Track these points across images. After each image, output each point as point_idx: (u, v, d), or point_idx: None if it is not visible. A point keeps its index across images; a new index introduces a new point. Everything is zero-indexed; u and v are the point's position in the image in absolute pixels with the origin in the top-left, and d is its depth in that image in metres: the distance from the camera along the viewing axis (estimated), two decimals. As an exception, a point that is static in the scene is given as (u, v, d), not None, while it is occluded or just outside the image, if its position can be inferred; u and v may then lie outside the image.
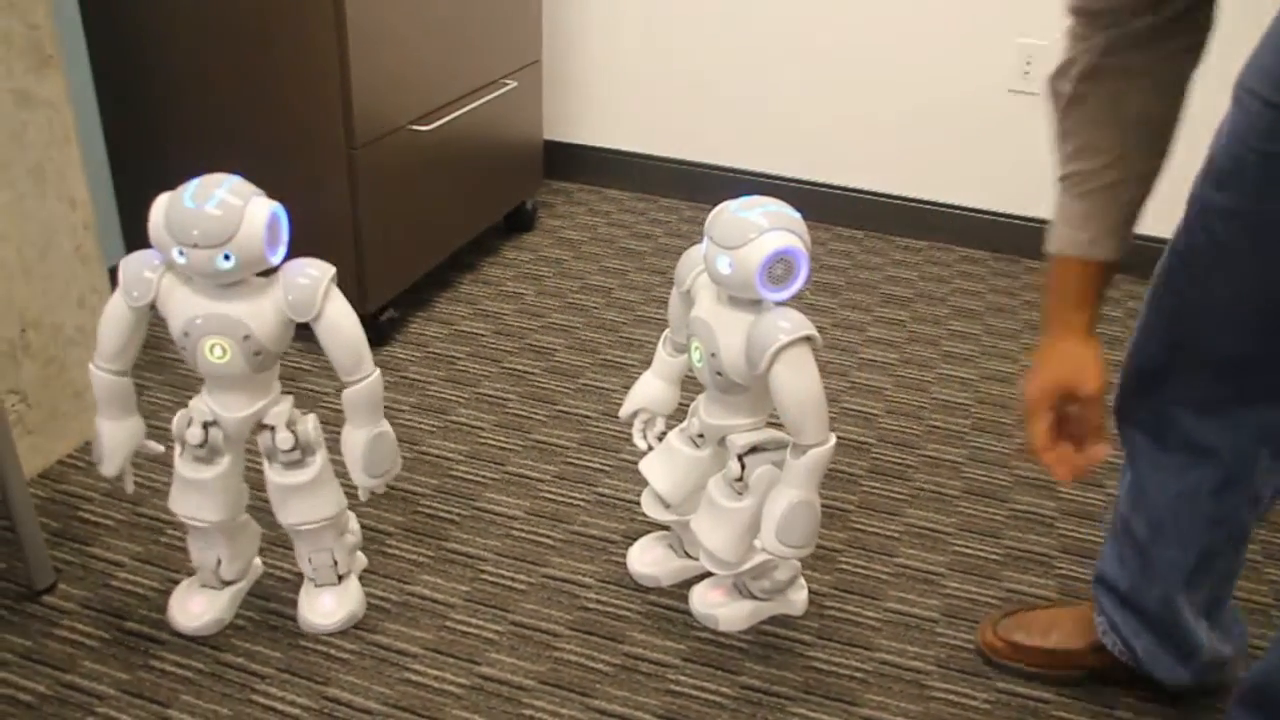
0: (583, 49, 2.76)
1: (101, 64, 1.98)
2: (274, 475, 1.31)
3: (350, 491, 1.36)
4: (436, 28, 2.03)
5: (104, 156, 2.06)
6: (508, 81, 2.34)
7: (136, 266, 1.22)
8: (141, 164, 2.04)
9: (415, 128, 2.02)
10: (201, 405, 1.29)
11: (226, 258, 1.14)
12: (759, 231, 1.19)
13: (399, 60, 1.94)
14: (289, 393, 1.33)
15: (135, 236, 2.11)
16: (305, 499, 1.32)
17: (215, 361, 1.22)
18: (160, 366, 1.95)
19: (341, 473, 1.35)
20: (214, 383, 1.28)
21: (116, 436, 1.31)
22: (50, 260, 1.63)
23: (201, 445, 1.29)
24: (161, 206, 1.17)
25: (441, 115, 2.10)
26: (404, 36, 1.94)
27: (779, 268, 1.19)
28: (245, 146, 1.93)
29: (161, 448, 1.34)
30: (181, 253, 1.15)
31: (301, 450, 1.30)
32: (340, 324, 1.24)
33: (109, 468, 1.32)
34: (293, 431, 1.29)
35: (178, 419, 1.30)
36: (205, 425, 1.29)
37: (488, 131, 2.30)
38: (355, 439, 1.31)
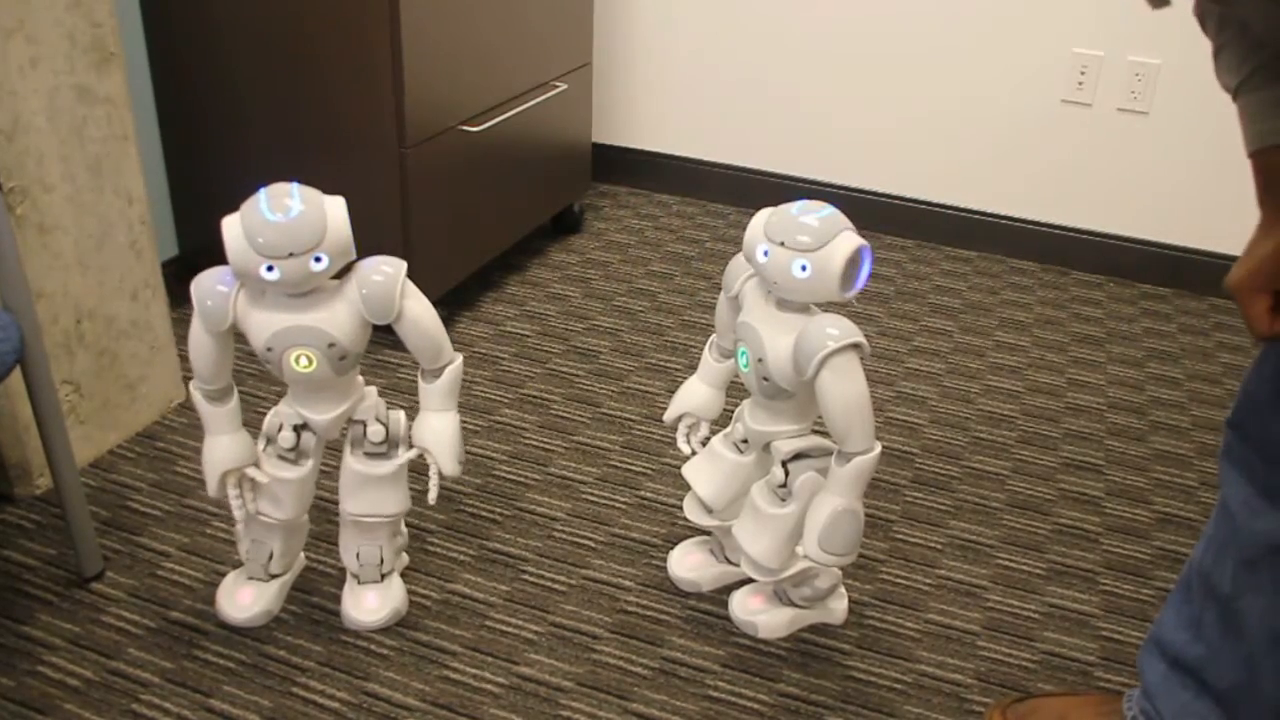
0: (633, 53, 2.77)
1: (159, 63, 2.01)
2: (355, 463, 1.32)
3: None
4: (488, 29, 2.05)
5: (160, 153, 2.09)
6: (558, 84, 2.35)
7: (208, 287, 1.20)
8: (196, 162, 2.07)
9: (465, 128, 2.04)
10: (288, 410, 1.30)
11: (318, 259, 1.14)
12: (833, 233, 1.20)
13: (451, 61, 1.95)
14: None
15: (188, 233, 2.14)
16: (380, 491, 1.33)
17: (302, 371, 1.23)
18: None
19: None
20: (300, 389, 1.29)
21: (214, 454, 1.30)
22: (106, 253, 1.66)
23: (292, 449, 1.31)
24: (237, 227, 1.14)
25: (492, 116, 2.11)
26: (456, 37, 1.95)
27: (852, 266, 1.21)
28: (297, 145, 1.95)
29: (266, 478, 1.32)
30: (271, 267, 1.13)
31: (389, 443, 1.32)
32: (420, 319, 1.24)
33: (208, 487, 1.31)
34: (383, 424, 1.31)
35: (269, 420, 1.32)
36: (296, 429, 1.30)
37: (537, 133, 2.31)
38: (444, 423, 1.31)
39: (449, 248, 2.09)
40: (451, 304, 2.23)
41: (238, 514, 1.34)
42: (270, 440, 1.32)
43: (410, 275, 1.96)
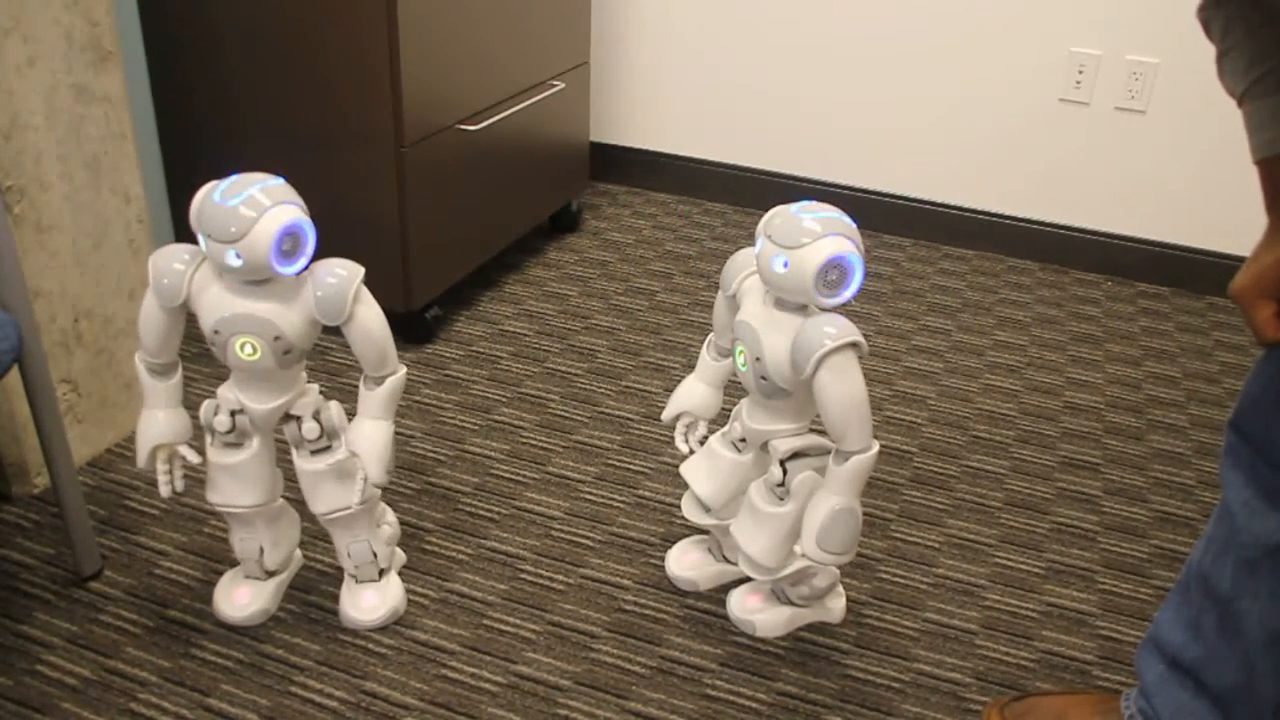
0: (630, 51, 2.77)
1: (157, 62, 2.01)
2: (302, 462, 1.32)
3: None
4: (486, 28, 2.05)
5: (158, 152, 2.09)
6: (556, 83, 2.35)
7: (165, 264, 1.22)
8: (194, 160, 2.07)
9: (463, 127, 2.04)
10: (229, 394, 1.30)
11: (237, 255, 1.15)
12: (817, 235, 1.19)
13: (449, 60, 1.95)
14: (326, 385, 1.34)
15: (186, 232, 2.14)
16: (334, 485, 1.33)
17: (246, 359, 1.24)
18: (209, 359, 1.97)
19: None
20: (242, 376, 1.29)
21: (147, 429, 1.31)
22: (103, 252, 1.66)
23: (230, 431, 1.30)
24: (201, 194, 1.19)
25: (490, 115, 2.11)
26: (454, 36, 1.95)
27: (834, 273, 1.19)
28: (296, 144, 1.95)
29: (198, 458, 1.34)
30: (204, 241, 1.17)
31: (328, 436, 1.32)
32: (370, 325, 1.24)
33: (138, 459, 1.33)
34: (318, 420, 1.31)
35: (205, 408, 1.32)
36: (233, 413, 1.30)
37: (535, 132, 2.31)
38: (379, 431, 1.30)
39: (447, 246, 2.09)
40: (449, 302, 2.23)
41: (164, 490, 1.34)
42: (211, 430, 1.32)
43: (408, 274, 1.97)
